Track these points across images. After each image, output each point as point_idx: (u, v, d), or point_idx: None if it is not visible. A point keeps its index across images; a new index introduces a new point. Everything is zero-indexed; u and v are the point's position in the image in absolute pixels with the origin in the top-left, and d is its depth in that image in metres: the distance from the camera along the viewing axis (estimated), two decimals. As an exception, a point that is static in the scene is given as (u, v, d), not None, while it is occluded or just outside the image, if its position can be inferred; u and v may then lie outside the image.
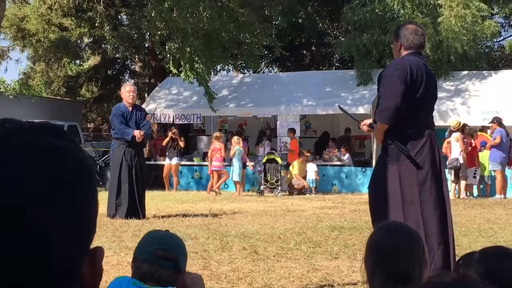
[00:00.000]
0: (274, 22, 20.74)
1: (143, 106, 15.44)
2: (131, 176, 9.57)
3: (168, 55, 17.54)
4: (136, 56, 24.73)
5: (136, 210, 9.50)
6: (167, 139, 16.99)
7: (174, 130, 17.03)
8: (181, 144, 16.99)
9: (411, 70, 4.75)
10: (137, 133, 9.70)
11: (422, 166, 4.80)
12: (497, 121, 15.02)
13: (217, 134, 16.37)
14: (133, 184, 9.56)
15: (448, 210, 4.86)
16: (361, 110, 16.60)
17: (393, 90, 4.72)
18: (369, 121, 5.38)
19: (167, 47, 17.32)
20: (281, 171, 16.33)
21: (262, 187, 16.08)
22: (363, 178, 16.91)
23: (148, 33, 19.19)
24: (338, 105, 7.71)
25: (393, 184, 4.75)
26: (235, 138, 16.06)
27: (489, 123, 15.27)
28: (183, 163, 17.82)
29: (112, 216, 9.46)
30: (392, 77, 4.77)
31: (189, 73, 17.12)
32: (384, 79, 4.84)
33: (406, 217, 4.66)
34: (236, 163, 15.60)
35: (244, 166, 16.24)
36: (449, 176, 14.71)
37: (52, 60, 23.23)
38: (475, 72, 18.58)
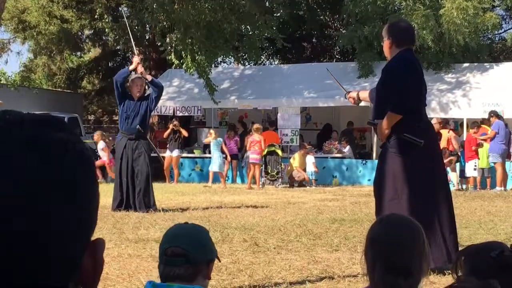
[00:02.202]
0: (275, 14, 20.66)
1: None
2: (131, 169, 9.53)
3: (169, 47, 17.50)
4: (137, 48, 24.68)
5: (129, 203, 9.46)
6: (168, 131, 16.99)
7: (175, 122, 17.03)
8: (185, 133, 17.00)
9: (417, 65, 4.83)
10: (135, 59, 9.72)
11: (433, 157, 4.88)
12: (494, 114, 15.03)
13: (257, 126, 16.35)
14: (132, 177, 9.51)
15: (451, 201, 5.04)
16: (361, 103, 16.54)
17: (406, 83, 4.76)
18: (354, 93, 5.62)
19: (168, 39, 17.26)
20: (282, 163, 16.34)
21: (262, 180, 16.09)
22: (363, 170, 16.92)
23: (149, 26, 19.12)
24: (327, 69, 7.79)
25: (407, 175, 4.82)
26: (212, 131, 16.12)
27: (488, 118, 15.24)
28: (184, 155, 17.82)
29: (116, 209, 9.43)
30: (403, 71, 4.81)
31: (190, 64, 17.10)
32: (394, 73, 4.87)
33: (423, 204, 4.76)
34: (215, 154, 15.61)
35: (226, 157, 16.29)
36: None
37: (54, 52, 23.18)
38: (476, 64, 18.55)
